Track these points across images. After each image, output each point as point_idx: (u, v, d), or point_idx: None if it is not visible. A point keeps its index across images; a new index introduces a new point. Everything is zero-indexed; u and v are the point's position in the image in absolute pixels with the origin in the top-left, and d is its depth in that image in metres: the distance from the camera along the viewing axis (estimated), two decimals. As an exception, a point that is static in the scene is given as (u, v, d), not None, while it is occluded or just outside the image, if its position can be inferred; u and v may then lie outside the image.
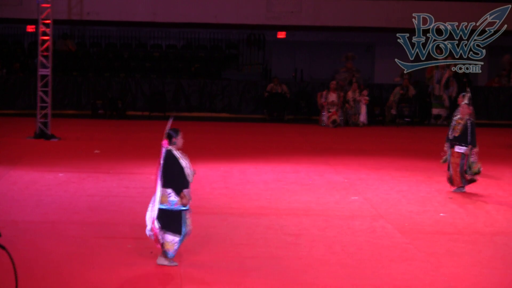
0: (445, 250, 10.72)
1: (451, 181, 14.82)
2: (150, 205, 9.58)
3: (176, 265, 9.65)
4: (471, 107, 14.94)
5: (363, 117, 26.51)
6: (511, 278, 9.65)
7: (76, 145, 20.00)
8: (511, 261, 10.41)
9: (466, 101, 14.76)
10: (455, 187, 14.78)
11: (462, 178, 14.61)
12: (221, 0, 29.26)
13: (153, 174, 15.21)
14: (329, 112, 26.02)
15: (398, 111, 27.02)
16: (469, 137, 14.46)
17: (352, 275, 9.50)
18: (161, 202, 9.50)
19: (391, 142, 22.62)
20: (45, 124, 20.96)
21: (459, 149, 14.55)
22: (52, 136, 20.83)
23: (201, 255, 10.09)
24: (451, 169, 14.73)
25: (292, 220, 12.25)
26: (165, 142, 9.54)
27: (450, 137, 14.71)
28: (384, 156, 19.21)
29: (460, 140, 14.53)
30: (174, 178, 9.44)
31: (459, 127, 14.55)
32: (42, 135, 20.83)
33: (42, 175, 15.40)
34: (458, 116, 14.69)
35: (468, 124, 14.49)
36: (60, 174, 15.53)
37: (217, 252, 10.29)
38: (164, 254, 9.63)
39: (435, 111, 27.23)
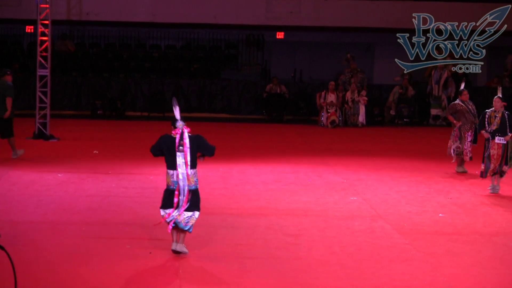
0: (444, 250, 10.72)
1: (485, 174, 14.77)
2: (186, 196, 9.90)
3: (187, 253, 10.03)
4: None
5: (362, 118, 26.52)
6: (510, 279, 9.65)
7: (75, 145, 20.00)
8: (511, 262, 10.41)
9: (499, 94, 14.79)
10: (490, 187, 14.74)
11: (501, 168, 14.60)
12: (221, 1, 29.26)
13: (152, 175, 15.25)
14: (328, 112, 26.03)
15: (397, 112, 27.03)
16: (508, 128, 14.51)
17: (352, 275, 9.50)
18: (189, 184, 9.86)
19: (390, 143, 22.63)
20: (44, 124, 20.95)
21: (499, 140, 14.59)
22: (51, 137, 20.82)
23: (201, 256, 10.09)
24: (491, 161, 14.67)
25: (292, 220, 12.25)
26: (188, 129, 9.99)
27: (489, 130, 14.68)
28: (383, 157, 19.21)
29: (500, 132, 14.57)
30: (210, 146, 10.21)
31: (497, 120, 14.57)
32: (41, 135, 20.83)
33: (42, 175, 15.40)
34: (491, 109, 14.69)
35: (506, 116, 14.55)
36: (60, 175, 15.53)
37: (216, 252, 10.29)
38: (185, 231, 9.95)
39: (433, 111, 27.23)
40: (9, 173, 15.52)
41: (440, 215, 12.90)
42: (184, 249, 10.00)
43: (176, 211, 9.87)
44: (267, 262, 9.92)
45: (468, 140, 16.71)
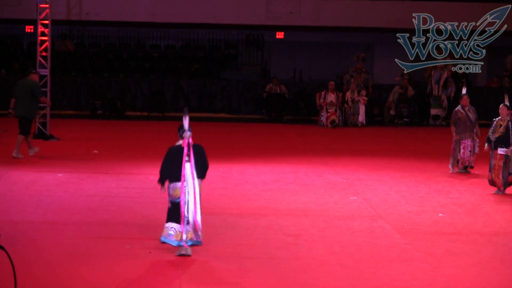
0: (444, 250, 10.72)
1: (492, 182, 14.75)
2: (195, 205, 9.81)
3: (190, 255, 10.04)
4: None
5: (361, 118, 26.51)
6: (510, 278, 9.65)
7: (75, 145, 20.00)
8: (510, 261, 10.41)
9: (506, 102, 14.70)
10: (496, 189, 14.70)
11: (504, 180, 14.52)
12: (221, 1, 29.27)
13: (152, 175, 15.24)
14: (328, 112, 26.03)
15: (397, 112, 27.03)
16: (511, 138, 14.41)
17: (351, 275, 9.50)
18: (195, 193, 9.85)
19: (390, 143, 22.63)
20: (44, 124, 20.95)
21: (501, 151, 14.47)
22: (51, 137, 20.82)
23: (200, 256, 10.08)
24: (493, 171, 14.63)
25: (291, 220, 12.25)
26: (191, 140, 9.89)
27: (492, 139, 14.61)
28: (383, 157, 19.21)
29: (503, 142, 14.45)
30: (207, 161, 10.12)
31: (501, 129, 14.47)
32: (41, 135, 20.82)
33: (41, 175, 15.40)
34: (499, 118, 14.61)
35: (510, 126, 14.44)
36: (59, 175, 15.54)
37: (216, 252, 10.29)
38: (196, 242, 9.96)
39: (433, 111, 27.22)
40: (9, 173, 15.53)
41: (440, 215, 12.90)
42: (190, 252, 10.00)
43: (188, 226, 9.82)
44: (267, 262, 9.92)
45: (468, 149, 16.58)
